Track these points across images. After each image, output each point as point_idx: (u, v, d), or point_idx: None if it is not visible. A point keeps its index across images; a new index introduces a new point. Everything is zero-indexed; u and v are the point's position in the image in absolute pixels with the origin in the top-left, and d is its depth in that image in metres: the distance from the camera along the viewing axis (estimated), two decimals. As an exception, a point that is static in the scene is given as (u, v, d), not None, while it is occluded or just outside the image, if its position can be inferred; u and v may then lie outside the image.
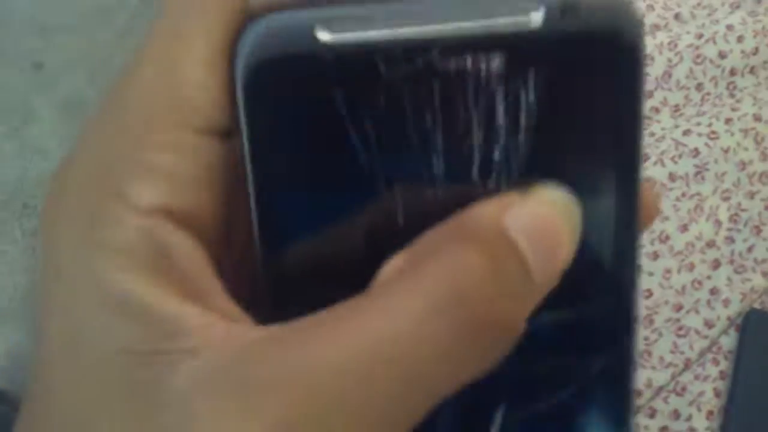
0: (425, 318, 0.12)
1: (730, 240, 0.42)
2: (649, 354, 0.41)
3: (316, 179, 0.15)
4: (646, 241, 0.42)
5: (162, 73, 0.14)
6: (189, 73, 0.14)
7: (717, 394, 0.40)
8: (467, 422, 0.16)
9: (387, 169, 0.15)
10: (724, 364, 0.40)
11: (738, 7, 0.49)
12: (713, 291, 0.41)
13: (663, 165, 0.44)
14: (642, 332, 0.41)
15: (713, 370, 0.40)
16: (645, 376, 0.40)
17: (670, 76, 0.46)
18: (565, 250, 0.14)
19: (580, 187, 0.15)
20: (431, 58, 0.14)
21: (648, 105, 0.46)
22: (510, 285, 0.13)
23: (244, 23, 0.14)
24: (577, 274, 0.14)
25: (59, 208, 0.14)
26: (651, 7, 0.49)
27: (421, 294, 0.12)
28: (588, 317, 0.16)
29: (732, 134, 0.44)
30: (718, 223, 0.43)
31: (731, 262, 0.42)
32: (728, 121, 0.44)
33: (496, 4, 0.14)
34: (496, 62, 0.14)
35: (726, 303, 0.41)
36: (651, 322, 0.41)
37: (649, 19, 0.48)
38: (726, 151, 0.44)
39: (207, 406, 0.12)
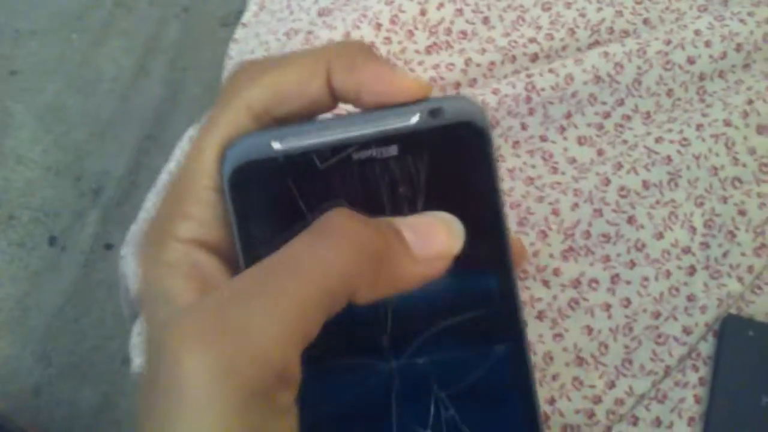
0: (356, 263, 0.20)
1: (705, 246, 0.43)
2: (630, 362, 0.41)
3: (279, 243, 0.21)
4: (623, 250, 0.43)
5: (194, 158, 0.23)
6: (208, 157, 0.23)
7: (697, 400, 0.40)
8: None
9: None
10: (704, 370, 0.41)
11: (705, 10, 0.49)
12: (690, 297, 0.42)
13: (636, 173, 0.44)
14: (621, 341, 0.42)
15: (693, 377, 0.41)
16: (626, 384, 0.41)
17: (640, 83, 0.46)
18: (440, 239, 0.22)
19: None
20: (350, 152, 0.22)
21: (619, 113, 0.46)
22: (397, 256, 0.21)
23: (226, 144, 0.22)
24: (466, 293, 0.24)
25: (142, 244, 0.24)
26: (620, 13, 0.49)
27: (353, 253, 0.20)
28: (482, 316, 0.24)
29: (703, 140, 0.44)
30: (693, 229, 0.43)
31: (707, 267, 0.43)
32: (699, 126, 0.45)
33: (389, 113, 0.22)
34: (393, 149, 0.22)
35: (703, 309, 0.42)
36: (630, 330, 0.42)
37: (618, 25, 0.49)
38: (697, 157, 0.44)
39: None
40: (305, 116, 0.23)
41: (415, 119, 0.22)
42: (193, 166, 0.23)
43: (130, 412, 1.23)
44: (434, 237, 0.22)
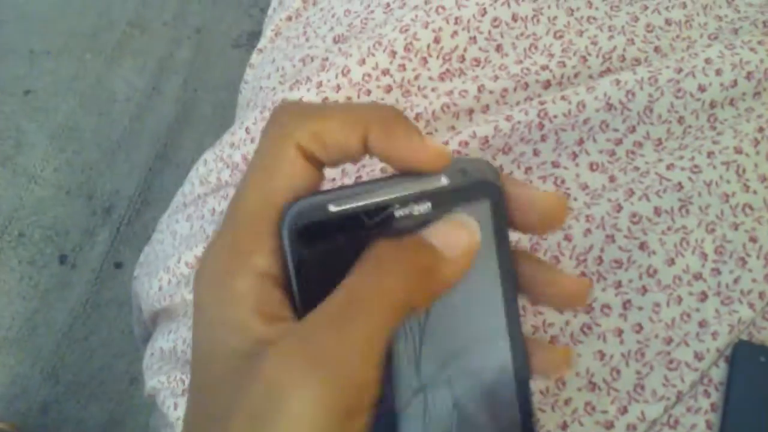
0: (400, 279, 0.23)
1: (717, 272, 0.43)
2: (642, 387, 0.42)
3: (335, 284, 0.24)
4: (635, 276, 0.43)
5: (263, 189, 0.25)
6: (279, 197, 0.25)
7: (709, 426, 0.41)
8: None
9: None
10: (716, 396, 0.41)
11: (716, 38, 0.50)
12: (702, 323, 0.42)
13: (648, 200, 0.44)
14: (634, 366, 0.42)
15: (705, 403, 0.41)
16: (638, 410, 0.41)
17: (651, 110, 0.47)
18: (463, 237, 0.25)
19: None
20: (392, 210, 0.26)
21: (631, 140, 0.47)
22: (436, 264, 0.24)
23: (285, 204, 0.25)
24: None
25: (206, 269, 0.25)
26: (631, 41, 0.49)
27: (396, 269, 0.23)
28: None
29: (714, 167, 0.45)
30: (704, 255, 0.44)
31: (718, 293, 0.43)
32: (710, 154, 0.45)
33: (418, 178, 0.26)
34: (426, 206, 0.26)
35: (715, 335, 0.42)
36: (642, 355, 0.42)
37: (630, 53, 0.49)
38: (709, 184, 0.45)
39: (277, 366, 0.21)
40: (337, 164, 0.26)
41: (445, 180, 0.27)
42: (256, 197, 0.25)
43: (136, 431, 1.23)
44: (458, 238, 0.25)
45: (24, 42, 1.60)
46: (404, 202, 0.26)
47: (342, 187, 0.27)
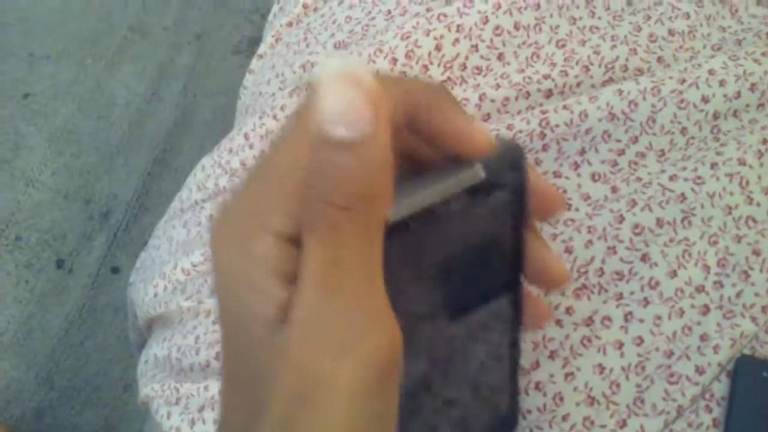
0: None
1: (719, 285, 0.43)
2: (642, 401, 0.41)
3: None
4: (636, 288, 0.43)
5: (285, 150, 0.24)
6: (302, 151, 0.22)
7: (710, 442, 0.40)
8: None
9: (430, 266, 0.28)
10: (717, 411, 0.41)
11: (719, 49, 0.49)
12: (703, 337, 0.42)
13: (650, 210, 0.44)
14: (634, 379, 0.41)
15: (706, 418, 0.41)
16: (638, 424, 0.41)
17: (654, 121, 0.46)
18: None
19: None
20: (444, 207, 0.26)
21: (633, 150, 0.46)
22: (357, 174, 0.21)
23: None
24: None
25: (223, 229, 0.24)
26: (634, 51, 0.49)
27: None
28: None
29: (717, 179, 0.44)
30: (707, 268, 0.43)
31: (720, 307, 0.42)
32: (713, 165, 0.45)
33: (455, 171, 0.27)
34: (465, 201, 0.27)
35: (716, 349, 0.41)
36: (642, 368, 0.42)
37: (632, 63, 0.49)
38: (712, 195, 0.44)
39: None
40: None
41: (482, 173, 0.27)
42: (285, 158, 0.23)
43: (131, 438, 1.22)
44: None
45: (24, 45, 1.60)
46: (447, 201, 0.26)
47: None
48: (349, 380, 0.21)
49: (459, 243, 0.28)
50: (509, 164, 0.28)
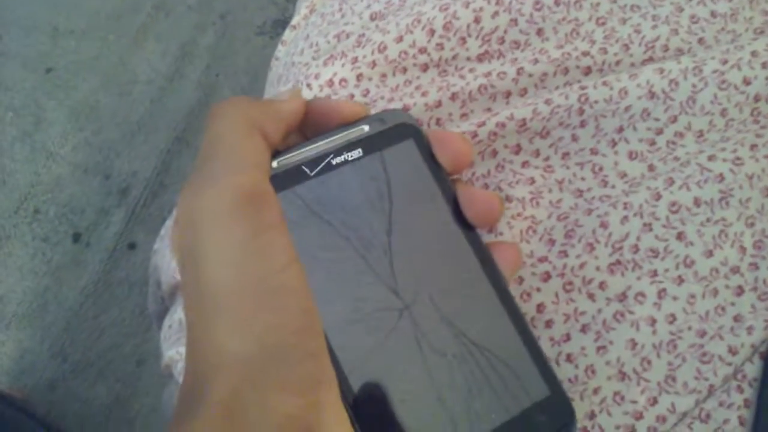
0: None
1: (755, 267, 0.42)
2: (673, 379, 0.41)
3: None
4: (671, 266, 0.43)
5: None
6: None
7: (742, 422, 0.40)
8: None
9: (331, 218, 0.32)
10: (749, 392, 0.40)
11: (762, 32, 0.49)
12: (737, 318, 0.41)
13: (688, 189, 0.44)
14: (665, 357, 0.41)
15: (738, 398, 0.40)
16: (669, 401, 0.40)
17: (694, 101, 0.46)
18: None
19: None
20: (330, 159, 0.32)
21: (672, 130, 0.46)
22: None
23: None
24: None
25: (223, 122, 0.32)
26: (675, 31, 0.49)
27: None
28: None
29: (757, 160, 0.44)
30: (743, 249, 0.43)
31: (755, 289, 0.42)
32: (753, 147, 0.44)
33: (348, 128, 0.33)
34: (357, 152, 0.33)
35: (750, 330, 0.41)
36: (674, 347, 0.41)
37: (673, 43, 0.49)
38: (750, 177, 0.44)
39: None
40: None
41: (367, 128, 0.33)
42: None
43: (142, 413, 1.22)
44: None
45: (48, 19, 1.60)
46: (338, 151, 0.32)
47: (286, 149, 0.33)
48: (211, 203, 0.27)
49: (372, 187, 0.33)
50: (398, 123, 0.34)
